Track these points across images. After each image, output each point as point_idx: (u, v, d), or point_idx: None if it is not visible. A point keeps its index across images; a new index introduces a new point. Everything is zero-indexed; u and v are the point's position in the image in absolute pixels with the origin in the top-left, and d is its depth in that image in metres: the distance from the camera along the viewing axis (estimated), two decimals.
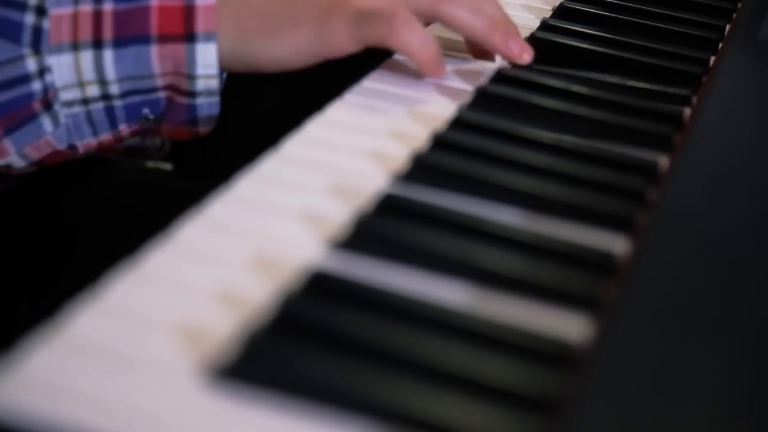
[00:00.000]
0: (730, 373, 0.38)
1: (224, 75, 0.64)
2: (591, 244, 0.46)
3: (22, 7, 0.57)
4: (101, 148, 0.65)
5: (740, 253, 0.45)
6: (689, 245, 0.46)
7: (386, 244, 0.44)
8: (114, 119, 0.62)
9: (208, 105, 0.62)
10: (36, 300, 0.71)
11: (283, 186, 0.49)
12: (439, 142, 0.54)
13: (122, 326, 0.38)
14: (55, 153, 0.62)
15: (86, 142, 0.62)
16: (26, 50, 0.57)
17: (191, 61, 0.60)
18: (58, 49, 0.58)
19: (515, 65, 0.65)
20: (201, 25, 0.59)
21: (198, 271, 0.42)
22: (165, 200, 0.82)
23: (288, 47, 0.61)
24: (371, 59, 0.65)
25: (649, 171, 0.53)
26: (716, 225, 0.47)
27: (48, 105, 0.59)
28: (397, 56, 0.66)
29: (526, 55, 0.64)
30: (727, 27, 0.76)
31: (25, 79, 0.58)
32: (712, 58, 0.69)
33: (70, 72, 0.59)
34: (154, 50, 0.59)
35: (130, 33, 0.59)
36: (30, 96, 0.58)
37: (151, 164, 0.92)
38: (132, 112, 0.62)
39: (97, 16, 0.58)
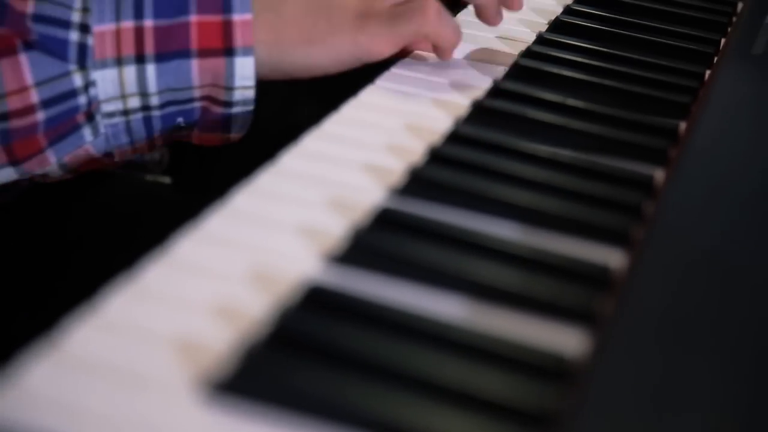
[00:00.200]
0: (727, 386, 0.38)
1: None
2: (587, 257, 0.46)
3: (67, 25, 0.58)
4: (101, 163, 0.65)
5: (736, 266, 0.45)
6: (685, 259, 0.46)
7: (383, 258, 0.45)
8: (151, 128, 0.63)
9: (242, 114, 0.64)
10: (35, 312, 0.71)
11: (280, 200, 0.49)
12: (436, 156, 0.54)
13: (120, 340, 0.38)
14: (92, 161, 0.64)
15: (122, 149, 0.64)
16: (72, 66, 0.59)
17: (230, 74, 0.61)
18: (103, 65, 0.59)
19: (513, 77, 0.65)
20: (239, 39, 0.61)
21: (195, 285, 0.42)
22: (163, 213, 0.82)
23: (327, 55, 0.63)
24: (368, 73, 0.65)
25: (644, 185, 0.53)
26: (712, 238, 0.47)
27: (90, 117, 0.61)
28: (393, 69, 0.66)
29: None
30: (722, 41, 0.76)
31: (72, 94, 0.59)
32: (707, 72, 0.70)
33: (113, 86, 0.60)
34: (194, 64, 0.61)
35: (171, 48, 0.60)
36: (76, 109, 0.60)
37: (149, 177, 0.92)
38: (167, 121, 0.64)
39: (139, 32, 0.60)
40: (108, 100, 0.60)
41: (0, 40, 0.57)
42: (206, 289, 0.42)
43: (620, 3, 0.82)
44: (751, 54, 0.69)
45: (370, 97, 0.62)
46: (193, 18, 0.60)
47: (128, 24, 0.60)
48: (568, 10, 0.79)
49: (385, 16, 0.64)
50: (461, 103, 0.62)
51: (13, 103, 0.58)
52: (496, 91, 0.63)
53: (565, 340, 0.41)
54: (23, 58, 0.57)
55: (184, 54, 0.61)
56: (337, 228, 0.47)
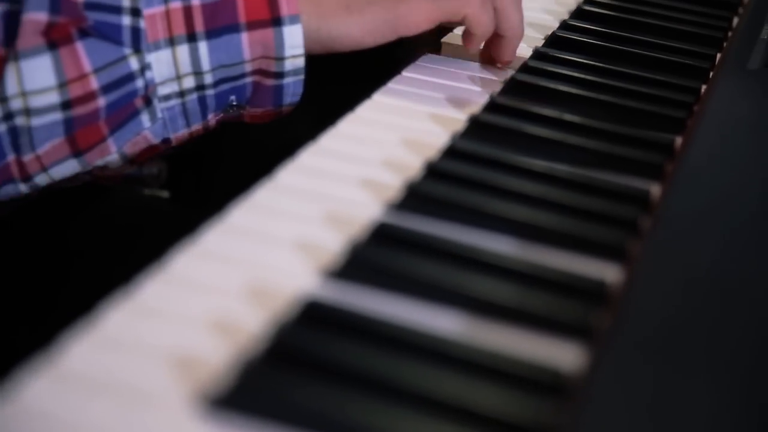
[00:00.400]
0: (722, 402, 0.38)
1: None
2: (583, 272, 0.46)
3: (118, 11, 0.59)
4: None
5: (732, 281, 0.45)
6: (681, 273, 0.46)
7: (380, 273, 0.45)
8: (205, 109, 0.64)
9: (294, 83, 0.65)
10: (35, 325, 0.71)
11: (277, 215, 0.49)
12: (433, 171, 0.54)
13: (117, 356, 0.38)
14: (150, 148, 0.64)
15: (179, 134, 0.65)
16: (128, 50, 0.60)
17: (279, 43, 0.63)
18: (156, 46, 0.61)
19: (510, 92, 0.65)
20: (285, 8, 0.62)
21: (192, 300, 0.42)
22: (162, 227, 0.82)
23: (364, 25, 0.65)
24: (364, 88, 0.65)
25: (640, 199, 0.53)
26: (708, 253, 0.48)
27: (148, 101, 0.62)
28: (390, 84, 0.66)
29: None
30: (718, 56, 0.76)
31: (130, 77, 0.60)
32: (703, 87, 0.70)
33: (168, 67, 0.61)
34: (244, 37, 0.62)
35: (220, 23, 0.62)
36: (134, 93, 0.61)
37: (148, 192, 0.92)
38: (221, 100, 0.65)
39: (188, 11, 0.61)
40: (163, 82, 0.62)
41: (57, 30, 0.57)
42: (203, 304, 0.42)
43: (616, 18, 0.82)
44: (747, 69, 0.69)
45: (367, 112, 0.62)
46: None
47: (176, 4, 0.61)
48: (564, 26, 0.79)
49: None
50: (458, 117, 0.62)
51: (75, 91, 0.58)
52: (492, 106, 0.64)
53: (561, 354, 0.41)
54: (80, 46, 0.58)
55: (234, 28, 0.62)
56: (334, 243, 0.47)
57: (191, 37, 0.62)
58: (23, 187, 0.62)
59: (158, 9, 0.61)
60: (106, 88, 0.60)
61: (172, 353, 0.39)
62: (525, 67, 0.69)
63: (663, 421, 0.37)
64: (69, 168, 0.62)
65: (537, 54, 0.72)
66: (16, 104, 0.57)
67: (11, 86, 0.57)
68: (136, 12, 0.60)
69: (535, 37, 0.79)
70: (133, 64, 0.60)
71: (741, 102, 0.65)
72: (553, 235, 0.49)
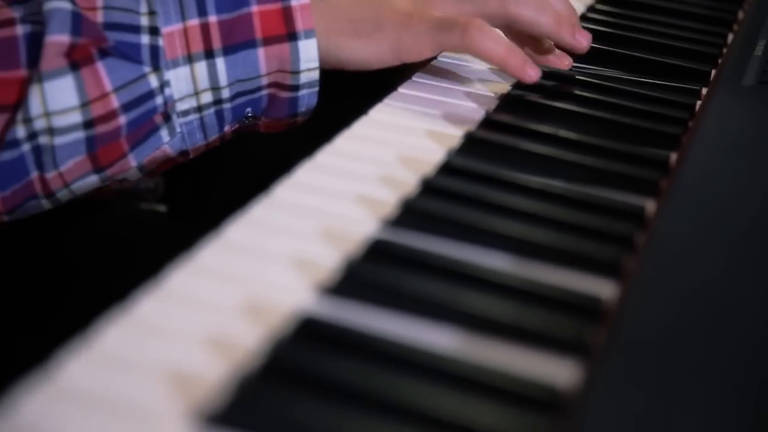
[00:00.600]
0: (717, 419, 0.38)
1: None
2: (579, 289, 0.46)
3: (137, 30, 0.61)
4: (175, 161, 0.66)
5: (728, 298, 0.46)
6: (677, 290, 0.46)
7: (376, 290, 0.45)
8: (222, 121, 0.66)
9: (308, 95, 0.66)
10: (33, 339, 0.71)
11: (273, 231, 0.49)
12: (429, 187, 0.54)
13: (114, 373, 0.38)
14: (168, 160, 0.66)
15: (197, 146, 0.66)
16: (147, 68, 0.61)
17: (295, 57, 0.64)
18: (175, 64, 0.62)
19: (506, 109, 0.65)
20: (300, 23, 0.64)
21: (189, 317, 0.42)
22: (159, 241, 0.82)
23: (370, 49, 0.66)
24: (360, 104, 0.65)
25: (636, 216, 0.53)
26: (703, 269, 0.48)
27: (167, 117, 0.63)
28: (386, 101, 0.67)
29: (589, 42, 0.72)
30: (713, 72, 0.76)
31: (149, 95, 0.61)
32: (698, 103, 0.70)
33: (186, 83, 0.63)
34: (260, 52, 0.64)
35: (237, 39, 0.63)
36: (153, 110, 0.62)
37: (145, 206, 0.92)
38: (237, 113, 0.66)
39: (205, 28, 0.62)
40: (182, 98, 0.63)
41: (78, 51, 0.58)
42: (200, 321, 0.42)
43: (611, 35, 0.82)
44: (742, 85, 0.69)
45: (363, 128, 0.62)
46: (254, 8, 0.63)
47: (194, 22, 0.62)
48: None
49: (432, 22, 0.66)
50: (454, 134, 0.62)
51: (97, 110, 0.59)
52: (488, 123, 0.64)
53: (556, 371, 0.41)
54: (100, 66, 0.59)
55: (251, 44, 0.63)
56: (330, 259, 0.47)
57: (209, 54, 0.63)
58: (45, 203, 0.63)
59: (176, 27, 0.62)
60: (127, 107, 0.61)
61: (168, 369, 0.39)
62: (520, 84, 0.70)
63: None
64: (90, 183, 0.64)
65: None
66: (39, 124, 0.58)
67: (35, 107, 0.58)
68: (154, 31, 0.61)
69: None
70: (153, 81, 0.61)
71: (736, 118, 0.65)
72: (549, 251, 0.50)
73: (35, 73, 0.57)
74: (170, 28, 0.62)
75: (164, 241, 0.82)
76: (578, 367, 0.42)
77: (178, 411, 0.37)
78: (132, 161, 0.64)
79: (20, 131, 0.58)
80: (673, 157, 0.61)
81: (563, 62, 0.73)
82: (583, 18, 0.87)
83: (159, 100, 0.62)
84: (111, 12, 0.61)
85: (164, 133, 0.64)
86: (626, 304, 0.45)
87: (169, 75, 0.62)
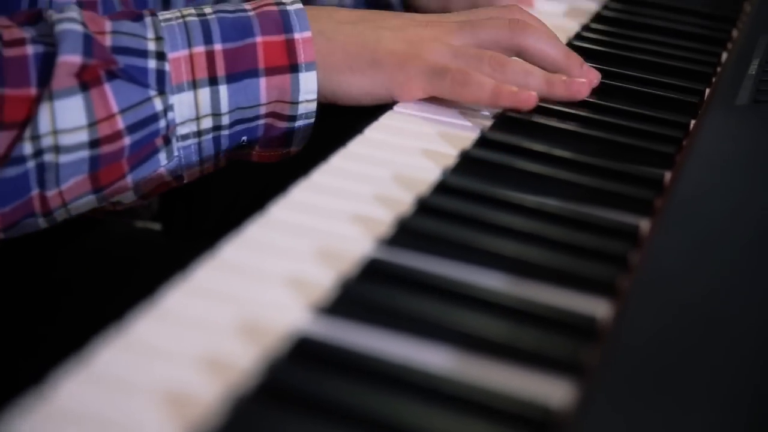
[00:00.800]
0: None
1: None
2: (574, 308, 0.47)
3: (145, 54, 0.62)
4: (169, 185, 0.67)
5: (722, 316, 0.46)
6: (671, 309, 0.46)
7: (371, 309, 0.45)
8: (219, 148, 0.67)
9: (304, 127, 0.68)
10: (25, 361, 0.71)
11: (268, 251, 0.49)
12: (424, 206, 0.54)
13: (109, 394, 0.38)
14: (162, 184, 0.67)
15: (191, 171, 0.67)
16: (153, 92, 0.62)
17: (295, 88, 0.66)
18: (179, 89, 0.63)
19: (501, 128, 0.66)
20: (302, 55, 0.66)
21: (184, 337, 0.42)
22: (155, 260, 0.82)
23: (363, 85, 0.68)
24: (355, 123, 0.65)
25: (630, 235, 0.53)
26: (698, 288, 0.48)
27: (167, 140, 0.64)
28: (382, 120, 0.67)
29: (595, 80, 0.73)
30: (707, 91, 0.77)
31: (154, 118, 0.63)
32: (692, 122, 0.70)
33: (189, 108, 0.64)
34: (262, 82, 0.65)
35: (240, 68, 0.65)
36: (156, 133, 0.63)
37: (140, 224, 0.92)
38: (234, 140, 0.67)
39: (210, 56, 0.64)
40: (183, 122, 0.64)
41: (88, 72, 0.59)
42: (195, 341, 0.42)
43: (604, 54, 0.83)
44: (735, 105, 0.70)
45: (358, 147, 0.62)
46: (259, 39, 0.65)
47: (199, 49, 0.64)
48: None
49: (426, 67, 0.67)
50: (449, 153, 0.62)
51: (103, 130, 0.60)
52: (483, 142, 0.64)
53: (551, 390, 0.41)
54: (108, 87, 0.60)
55: (253, 73, 0.65)
56: (325, 279, 0.48)
57: (213, 81, 0.64)
58: (42, 222, 0.63)
59: (182, 53, 0.63)
60: (132, 128, 0.62)
61: (163, 389, 0.39)
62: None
63: None
64: (87, 203, 0.64)
65: None
66: (47, 142, 0.59)
67: (44, 124, 0.58)
68: (161, 56, 0.62)
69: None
70: (158, 105, 0.62)
71: (729, 137, 0.65)
72: (543, 270, 0.50)
73: (46, 91, 0.58)
74: (176, 54, 0.63)
75: (159, 259, 0.82)
76: (573, 387, 0.42)
77: (174, 431, 0.37)
78: (130, 183, 0.64)
79: (27, 148, 0.58)
80: (668, 176, 0.61)
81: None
82: (578, 37, 0.87)
83: (162, 123, 0.63)
84: (119, 36, 0.62)
85: (162, 157, 0.64)
86: (620, 323, 0.45)
87: (174, 99, 0.63)
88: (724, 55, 0.86)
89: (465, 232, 0.52)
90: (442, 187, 0.57)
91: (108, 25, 0.62)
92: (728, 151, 0.63)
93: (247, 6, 0.67)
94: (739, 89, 0.72)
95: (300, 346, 0.42)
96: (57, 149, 0.59)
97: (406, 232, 0.52)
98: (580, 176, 0.59)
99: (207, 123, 0.65)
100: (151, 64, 0.62)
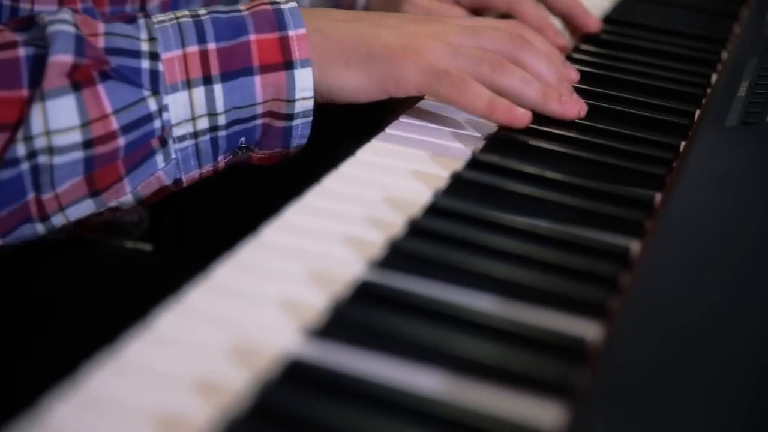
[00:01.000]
0: None
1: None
2: (564, 330, 0.47)
3: (138, 54, 0.62)
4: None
5: (713, 339, 0.46)
6: (661, 331, 0.46)
7: (363, 332, 0.45)
8: (217, 150, 0.67)
9: (302, 125, 0.68)
10: (13, 384, 0.70)
11: (260, 273, 0.50)
12: (416, 228, 0.54)
13: (101, 417, 0.38)
14: (162, 189, 0.66)
15: (190, 175, 0.67)
16: (147, 92, 0.62)
17: (290, 86, 0.66)
18: (173, 89, 0.63)
19: (492, 149, 0.66)
20: (296, 52, 0.65)
21: (176, 360, 0.42)
22: (145, 281, 0.82)
23: (359, 80, 0.68)
24: (348, 146, 0.66)
25: (621, 256, 0.54)
26: (688, 310, 0.48)
27: (163, 142, 0.64)
28: (374, 141, 0.67)
29: (582, 112, 0.72)
30: (697, 113, 0.77)
31: (148, 118, 0.62)
32: (683, 144, 0.71)
33: (184, 108, 0.64)
34: (257, 80, 0.65)
35: (235, 67, 0.65)
36: (151, 134, 0.63)
37: (130, 244, 0.92)
38: (231, 142, 0.67)
39: (204, 55, 0.64)
40: (179, 123, 0.64)
41: (80, 72, 0.59)
42: (187, 364, 0.42)
43: (596, 75, 0.83)
44: (725, 126, 0.70)
45: (350, 169, 0.62)
46: (252, 37, 0.65)
47: (193, 49, 0.64)
48: None
49: (425, 65, 0.67)
50: (441, 174, 0.63)
51: (97, 130, 0.60)
52: (474, 164, 0.64)
53: (542, 413, 0.42)
54: (101, 88, 0.60)
55: (248, 71, 0.65)
56: (317, 301, 0.48)
57: (207, 80, 0.64)
58: (40, 228, 0.63)
59: (176, 53, 0.63)
60: (126, 128, 0.62)
61: (156, 412, 0.39)
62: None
63: None
64: (85, 208, 0.64)
65: None
66: (40, 143, 0.59)
67: (36, 125, 0.58)
68: (154, 56, 0.62)
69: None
70: (152, 105, 0.62)
71: (719, 159, 0.65)
72: (534, 292, 0.50)
73: (38, 92, 0.58)
74: (170, 54, 0.63)
75: (150, 280, 0.82)
76: (564, 409, 0.42)
77: None
78: (127, 186, 0.64)
79: (20, 149, 0.58)
80: (658, 197, 0.62)
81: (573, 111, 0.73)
82: (568, 58, 0.87)
83: (157, 123, 0.63)
84: (112, 38, 0.62)
85: (160, 159, 0.64)
86: (612, 344, 0.45)
87: (168, 99, 0.63)
88: (714, 77, 0.87)
89: (456, 254, 0.52)
90: (434, 210, 0.57)
91: (101, 28, 0.62)
92: (718, 172, 0.63)
93: (241, 6, 0.67)
94: (729, 111, 0.72)
95: (292, 368, 0.42)
96: (51, 150, 0.59)
97: (398, 255, 0.52)
98: (571, 198, 0.60)
99: (203, 123, 0.65)
100: (145, 64, 0.62)
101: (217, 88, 0.64)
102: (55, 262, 0.82)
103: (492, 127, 0.71)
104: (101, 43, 0.61)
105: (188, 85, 0.63)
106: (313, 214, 0.56)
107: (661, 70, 0.86)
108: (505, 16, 0.90)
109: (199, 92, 0.64)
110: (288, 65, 0.65)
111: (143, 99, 0.62)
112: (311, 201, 0.58)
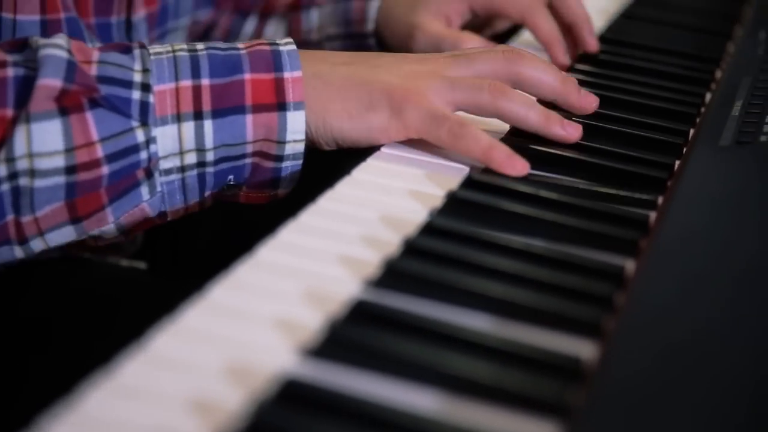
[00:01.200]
0: None
1: None
2: (559, 349, 0.47)
3: (129, 85, 0.62)
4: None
5: (708, 358, 0.46)
6: (656, 350, 0.46)
7: (358, 351, 0.45)
8: (203, 186, 0.66)
9: (292, 167, 0.67)
10: (8, 403, 0.70)
11: (256, 293, 0.50)
12: (411, 248, 0.54)
13: None
14: (145, 221, 0.66)
15: (175, 209, 0.67)
16: (135, 123, 0.62)
17: (282, 127, 0.65)
18: (163, 121, 0.63)
19: (487, 169, 0.66)
20: (290, 95, 0.65)
21: (172, 380, 0.42)
22: (140, 299, 0.82)
23: (361, 130, 0.68)
24: (344, 165, 0.66)
25: (615, 276, 0.54)
26: (683, 329, 0.48)
27: (149, 173, 0.63)
28: (369, 161, 0.67)
29: (595, 104, 0.75)
30: (691, 132, 0.77)
31: (135, 149, 0.62)
32: (677, 163, 0.71)
33: (173, 142, 0.63)
34: (248, 119, 0.65)
35: (227, 104, 0.64)
36: (137, 165, 0.63)
37: (125, 263, 0.92)
38: (219, 178, 0.67)
39: (197, 90, 0.64)
40: (166, 156, 0.64)
41: (69, 97, 0.59)
42: (183, 383, 0.42)
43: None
44: (719, 145, 0.70)
45: (346, 188, 0.63)
46: (247, 76, 0.65)
47: (186, 83, 0.64)
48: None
49: (425, 111, 0.67)
50: (436, 194, 0.63)
51: (81, 157, 0.60)
52: (470, 183, 0.64)
53: None
54: (89, 115, 0.60)
55: (240, 110, 0.64)
56: (313, 321, 0.48)
57: (198, 115, 0.64)
58: (18, 251, 0.63)
59: (168, 86, 0.63)
60: (111, 157, 0.61)
61: None
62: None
63: None
64: (65, 235, 0.63)
65: (513, 131, 0.73)
66: (22, 165, 0.59)
67: (19, 147, 0.58)
68: (146, 87, 0.62)
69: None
70: (140, 136, 0.62)
71: (713, 178, 0.66)
72: (529, 311, 0.50)
73: (23, 114, 0.58)
74: (162, 87, 0.63)
75: (144, 299, 0.82)
76: (558, 428, 0.42)
77: None
78: (110, 216, 0.64)
79: (1, 170, 0.58)
80: (653, 216, 0.62)
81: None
82: None
83: (143, 155, 0.62)
84: (105, 66, 0.62)
85: (144, 191, 0.64)
86: (606, 364, 0.45)
87: (157, 132, 0.63)
88: (708, 96, 0.87)
89: (452, 273, 0.52)
90: (429, 229, 0.57)
91: (95, 55, 0.62)
92: (712, 191, 0.64)
93: (240, 45, 0.67)
94: (723, 130, 0.73)
95: (287, 388, 0.42)
96: (32, 173, 0.59)
97: (394, 274, 0.52)
98: (566, 217, 0.60)
99: (191, 158, 0.64)
100: (135, 95, 0.62)
101: (208, 124, 0.64)
102: (49, 280, 0.82)
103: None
104: (94, 70, 0.61)
105: (178, 119, 0.63)
106: (308, 233, 0.56)
107: (655, 90, 0.86)
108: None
109: (188, 127, 0.63)
110: (281, 107, 0.65)
111: (131, 129, 0.62)
112: (306, 220, 0.58)
